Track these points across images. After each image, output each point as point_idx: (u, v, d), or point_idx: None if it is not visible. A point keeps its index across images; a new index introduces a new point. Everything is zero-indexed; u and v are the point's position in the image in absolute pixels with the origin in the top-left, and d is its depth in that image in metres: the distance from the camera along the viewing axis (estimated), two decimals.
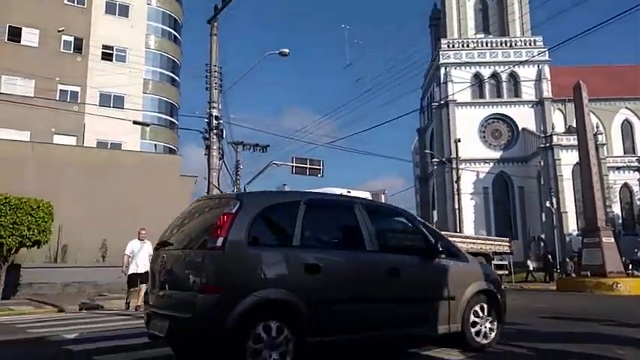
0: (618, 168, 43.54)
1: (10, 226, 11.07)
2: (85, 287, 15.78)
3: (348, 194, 12.54)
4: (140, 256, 10.95)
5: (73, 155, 21.70)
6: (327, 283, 4.30)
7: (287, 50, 18.52)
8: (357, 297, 4.46)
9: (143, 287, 10.93)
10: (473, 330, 5.22)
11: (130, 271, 11.02)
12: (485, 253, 19.75)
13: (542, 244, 40.51)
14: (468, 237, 20.92)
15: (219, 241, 3.97)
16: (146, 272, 10.64)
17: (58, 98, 30.37)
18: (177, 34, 39.92)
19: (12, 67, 28.97)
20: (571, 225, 40.22)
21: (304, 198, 4.74)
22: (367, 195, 13.70)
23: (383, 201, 13.76)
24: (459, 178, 35.26)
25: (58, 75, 30.84)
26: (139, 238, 11.22)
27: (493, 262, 20.06)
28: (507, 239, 23.50)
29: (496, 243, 21.79)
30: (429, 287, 5.08)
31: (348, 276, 4.48)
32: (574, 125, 32.35)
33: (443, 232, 16.99)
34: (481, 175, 44.91)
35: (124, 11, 35.46)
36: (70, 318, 9.96)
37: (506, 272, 21.98)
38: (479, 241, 20.32)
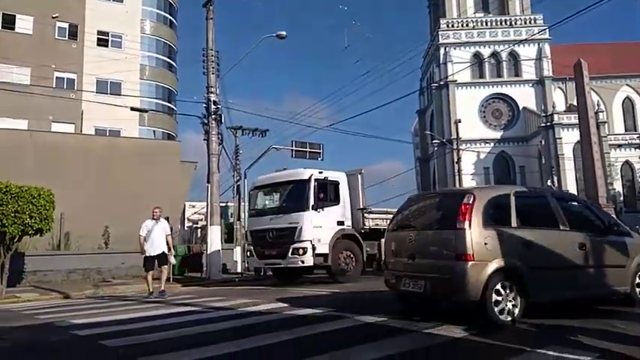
0: (619, 146, 43.42)
1: (12, 214, 11.03)
2: (89, 274, 15.85)
3: (320, 174, 12.52)
4: (155, 237, 10.20)
5: (72, 143, 21.64)
6: (537, 254, 5.71)
7: (284, 33, 18.31)
8: (559, 265, 5.88)
9: (164, 270, 10.42)
10: (637, 290, 6.60)
11: (146, 254, 10.24)
12: None
13: None
14: None
15: (465, 224, 5.44)
16: (163, 253, 10.25)
17: (54, 86, 30.16)
18: (172, 19, 39.50)
19: (7, 55, 28.73)
20: None
21: (512, 190, 6.28)
22: (343, 175, 13.28)
23: (359, 181, 13.35)
24: (459, 158, 35.20)
25: (54, 62, 30.60)
26: (152, 217, 10.36)
27: None
28: None
29: None
30: (607, 258, 6.39)
31: (551, 249, 5.85)
32: (575, 104, 32.14)
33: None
34: (482, 156, 44.84)
35: None
36: (76, 304, 10.02)
37: None
38: None
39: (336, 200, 12.78)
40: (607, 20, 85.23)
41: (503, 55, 45.84)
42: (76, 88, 31.09)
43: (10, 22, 30.62)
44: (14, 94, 24.66)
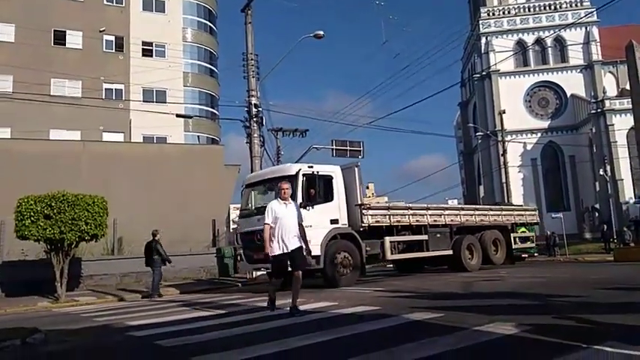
0: None
1: (70, 221, 11.63)
2: (141, 277, 16.46)
3: (310, 169, 11.48)
4: (286, 225, 6.98)
5: (122, 151, 22.52)
6: None
7: (322, 32, 18.39)
8: None
9: (299, 276, 7.12)
10: None
11: (276, 251, 7.00)
12: (502, 225, 16.81)
13: (596, 214, 38.91)
14: (477, 208, 17.03)
15: None
16: (299, 250, 7.00)
17: (104, 97, 31.50)
18: (212, 25, 40.35)
19: (59, 70, 30.21)
20: (627, 193, 38.36)
21: None
22: (337, 169, 12.24)
23: (356, 175, 12.24)
24: (505, 150, 34.24)
25: (103, 74, 31.95)
26: (281, 197, 7.19)
27: (514, 234, 17.16)
28: (532, 207, 20.37)
29: (516, 213, 18.18)
30: None
31: None
32: (627, 88, 30.62)
33: (437, 205, 15.20)
34: (528, 147, 43.40)
35: (161, 7, 36.15)
36: (131, 306, 10.44)
37: (532, 245, 19.24)
38: (491, 212, 16.87)
39: (329, 197, 11.70)
40: None
41: (549, 41, 44.17)
42: (123, 98, 32.36)
43: (61, 38, 32.19)
44: (68, 106, 25.91)
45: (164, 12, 36.23)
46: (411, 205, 14.78)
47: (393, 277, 14.85)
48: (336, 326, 5.70)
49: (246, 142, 17.45)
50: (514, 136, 40.96)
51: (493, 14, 46.17)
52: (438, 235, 14.17)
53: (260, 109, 17.36)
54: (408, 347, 4.49)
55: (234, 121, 18.00)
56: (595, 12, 40.68)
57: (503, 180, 35.80)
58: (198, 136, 36.59)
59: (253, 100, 17.05)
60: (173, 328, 6.53)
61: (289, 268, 7.15)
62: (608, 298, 7.31)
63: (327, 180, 11.78)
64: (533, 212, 19.09)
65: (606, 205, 35.40)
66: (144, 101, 32.07)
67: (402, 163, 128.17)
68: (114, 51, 33.56)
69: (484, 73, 45.06)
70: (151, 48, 34.85)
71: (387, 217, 12.87)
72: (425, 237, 13.70)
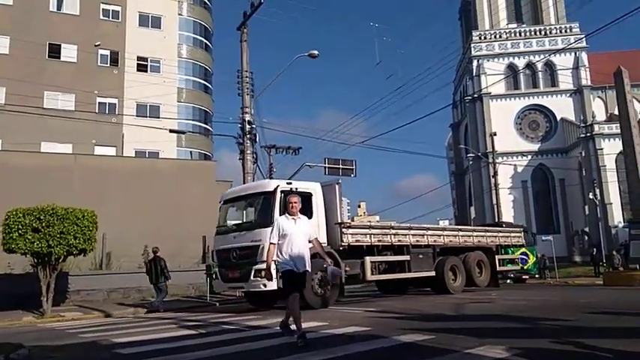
0: None
1: (58, 235, 11.51)
2: (129, 292, 16.27)
3: (288, 185, 11.29)
4: (296, 243, 6.18)
5: (114, 165, 22.42)
6: None
7: (316, 52, 18.60)
8: None
9: (295, 301, 6.15)
10: None
11: (286, 267, 6.17)
12: (486, 246, 16.32)
13: (586, 237, 39.14)
14: (460, 229, 16.50)
15: None
16: (304, 274, 6.26)
17: (97, 111, 31.45)
18: (208, 42, 40.64)
19: (53, 83, 30.18)
20: (616, 217, 38.72)
21: None
22: (317, 186, 11.96)
23: (337, 193, 11.93)
24: (496, 172, 34.52)
25: (97, 88, 31.95)
26: (289, 212, 6.33)
27: (498, 257, 16.73)
28: (519, 228, 19.69)
29: (501, 235, 17.58)
30: None
31: None
32: (616, 113, 31.13)
33: (423, 225, 15.04)
34: (519, 169, 43.80)
35: (157, 23, 36.40)
36: (118, 323, 10.29)
37: (518, 267, 18.93)
38: (476, 233, 16.41)
39: (307, 214, 11.23)
40: None
41: (539, 66, 44.95)
42: (117, 112, 32.35)
43: (55, 51, 32.23)
44: (60, 119, 25.83)
45: (160, 28, 36.47)
46: (392, 224, 14.70)
47: (379, 297, 14.76)
48: (327, 347, 5.66)
49: (239, 159, 17.46)
50: (505, 158, 41.35)
51: (485, 38, 46.99)
52: (421, 256, 13.85)
53: (254, 126, 17.42)
54: None
55: (228, 137, 18.06)
56: (584, 38, 41.56)
57: (494, 201, 36.01)
58: (190, 152, 36.55)
59: (247, 117, 17.12)
60: (160, 345, 6.44)
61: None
62: (598, 322, 7.33)
63: (306, 197, 11.35)
64: (518, 234, 18.71)
65: (595, 229, 35.65)
66: (137, 116, 32.07)
67: (395, 182, 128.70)
68: (108, 65, 33.63)
69: (475, 95, 45.66)
70: (145, 63, 34.98)
71: (368, 236, 12.58)
72: (407, 257, 13.42)
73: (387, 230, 13.38)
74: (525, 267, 22.08)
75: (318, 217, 11.55)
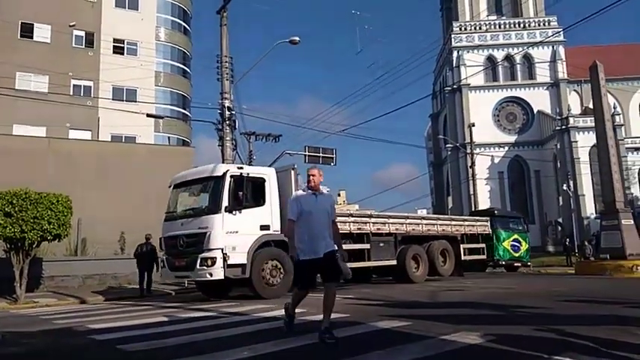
0: (637, 149, 42.79)
1: (31, 220, 11.26)
2: (105, 279, 16.06)
3: (239, 170, 10.84)
4: (317, 222, 5.18)
5: (89, 149, 21.96)
6: None
7: (297, 38, 18.44)
8: None
9: (334, 291, 5.25)
10: None
11: (303, 256, 5.14)
12: (451, 235, 16.16)
13: (559, 227, 40.08)
14: (424, 217, 16.40)
15: None
16: (332, 254, 5.13)
17: (71, 93, 30.69)
18: (186, 26, 39.93)
19: (26, 64, 29.32)
20: (589, 208, 39.73)
21: None
22: (271, 172, 11.56)
23: (292, 179, 11.47)
24: (473, 163, 34.98)
25: (71, 70, 31.14)
26: (310, 186, 5.35)
27: (463, 245, 16.46)
28: (484, 218, 19.24)
29: (467, 224, 17.44)
30: None
31: None
32: (590, 106, 31.79)
33: (384, 213, 14.99)
34: (496, 160, 44.47)
35: (134, 4, 35.56)
36: (92, 309, 10.16)
37: (483, 257, 18.45)
38: (440, 222, 16.18)
39: (260, 201, 10.99)
40: (622, 21, 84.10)
41: (517, 58, 45.48)
42: (92, 96, 31.60)
43: (28, 30, 31.25)
44: (33, 101, 25.13)
45: (137, 9, 35.65)
46: (352, 212, 14.59)
47: (345, 285, 14.88)
48: (305, 333, 5.68)
49: (218, 145, 17.27)
50: (482, 149, 41.90)
51: (465, 29, 47.25)
52: (382, 245, 13.60)
53: (233, 112, 17.23)
54: (376, 354, 4.51)
55: (206, 124, 17.82)
56: (562, 32, 42.14)
57: (471, 191, 36.53)
58: (168, 137, 36.04)
59: (226, 103, 16.91)
60: (137, 332, 6.37)
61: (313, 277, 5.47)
62: (570, 309, 7.53)
63: (259, 183, 11.09)
64: (484, 223, 18.42)
65: (569, 220, 36.52)
66: (113, 99, 31.40)
67: (375, 171, 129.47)
68: (84, 47, 32.77)
69: (455, 86, 46.03)
70: (122, 45, 34.20)
71: None
72: (367, 246, 13.17)
73: (346, 218, 13.04)
74: (518, 254, 22.10)
75: (271, 204, 11.12)
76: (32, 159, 18.54)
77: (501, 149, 45.11)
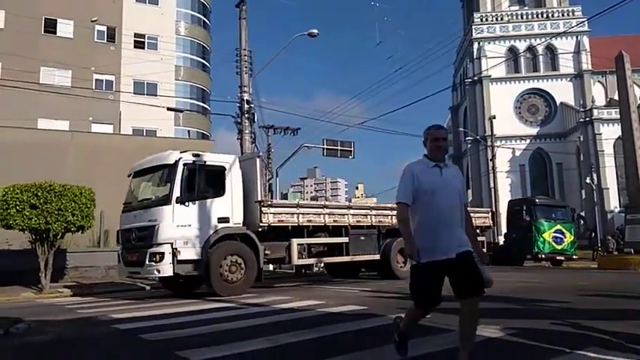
0: None
1: (56, 212, 11.48)
2: None
3: (194, 158, 10.00)
4: (445, 206, 3.57)
5: (111, 143, 22.27)
6: None
7: (316, 31, 18.40)
8: None
9: (477, 306, 3.63)
10: None
11: (425, 256, 3.50)
12: None
13: (582, 221, 39.39)
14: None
15: None
16: (468, 253, 3.59)
17: (94, 87, 31.18)
18: (206, 20, 40.15)
19: (50, 59, 29.86)
20: (612, 202, 38.91)
21: None
22: (233, 160, 10.79)
23: (257, 168, 10.82)
24: (494, 156, 34.51)
25: (93, 65, 31.62)
26: (431, 155, 3.71)
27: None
28: (485, 209, 18.11)
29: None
30: None
31: None
32: (616, 98, 31.04)
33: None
34: (517, 153, 43.78)
35: None
36: (116, 299, 10.35)
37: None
38: None
39: (218, 191, 10.26)
40: None
41: (540, 49, 44.59)
42: (114, 90, 32.06)
43: (51, 26, 31.80)
44: (56, 96, 25.61)
45: (157, 4, 35.97)
46: (327, 203, 13.81)
47: (322, 282, 14.71)
48: (324, 324, 5.72)
49: (237, 139, 17.39)
50: (503, 142, 41.30)
51: (486, 20, 46.49)
52: (363, 238, 12.65)
53: (252, 105, 17.31)
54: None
55: (225, 117, 17.92)
56: (586, 22, 41.13)
57: (492, 185, 36.07)
58: (188, 131, 36.40)
59: (245, 97, 16.99)
60: (158, 322, 6.49)
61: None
62: (592, 304, 7.41)
63: (218, 172, 10.33)
64: (485, 215, 16.94)
65: (592, 213, 35.84)
66: (134, 93, 31.80)
67: (394, 164, 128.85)
68: (105, 42, 33.25)
69: (476, 78, 45.38)
70: (143, 40, 34.58)
71: (296, 216, 11.41)
72: (345, 239, 12.23)
73: (320, 209, 12.19)
74: (561, 247, 20.78)
75: (232, 194, 10.38)
76: (56, 152, 18.90)
77: (523, 142, 44.37)
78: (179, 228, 9.46)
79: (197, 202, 9.79)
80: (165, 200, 9.56)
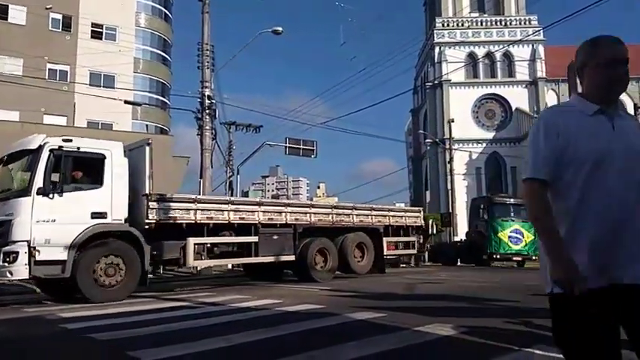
0: None
1: None
2: None
3: (64, 143, 8.82)
4: (621, 181, 1.82)
5: (64, 135, 21.45)
6: None
7: (280, 28, 18.33)
8: None
9: None
10: None
11: (590, 282, 1.76)
12: (371, 227, 13.94)
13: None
14: (335, 206, 14.16)
15: None
16: None
17: (47, 77, 29.92)
18: (167, 12, 39.27)
19: (0, 46, 28.43)
20: None
21: None
22: (116, 147, 9.54)
23: (146, 157, 9.80)
24: (451, 158, 35.34)
25: (47, 54, 30.33)
26: (591, 95, 1.95)
27: (387, 239, 14.29)
28: (417, 209, 17.11)
29: (393, 214, 14.98)
30: None
31: None
32: None
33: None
34: (474, 156, 45.00)
35: None
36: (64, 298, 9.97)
37: (412, 251, 16.25)
38: (357, 212, 13.84)
39: (94, 182, 9.01)
40: (600, 23, 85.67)
41: (498, 56, 45.99)
42: (69, 81, 30.86)
43: (2, 12, 30.30)
44: (6, 85, 24.42)
45: None
46: (233, 199, 12.69)
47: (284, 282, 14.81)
48: (280, 323, 5.68)
49: (198, 134, 17.10)
50: (461, 145, 42.34)
51: (447, 25, 47.55)
52: (275, 237, 11.62)
53: (213, 101, 17.06)
54: (352, 345, 4.53)
55: (186, 112, 17.55)
56: (542, 31, 42.70)
57: (449, 187, 36.93)
58: (146, 125, 35.49)
59: (207, 92, 16.73)
60: (109, 321, 6.29)
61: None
62: (541, 303, 7.66)
63: (94, 160, 9.07)
64: (416, 214, 16.01)
65: None
66: (90, 85, 30.71)
67: (355, 164, 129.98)
68: (60, 30, 31.93)
69: (436, 82, 46.35)
70: (101, 30, 33.44)
71: (192, 212, 10.30)
72: (254, 239, 11.14)
73: (224, 206, 11.02)
74: (518, 247, 20.13)
75: (112, 186, 9.08)
76: (4, 143, 18.04)
77: (479, 145, 45.67)
78: (40, 224, 8.17)
79: (65, 194, 8.47)
80: (25, 191, 8.30)
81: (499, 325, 5.47)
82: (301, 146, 22.93)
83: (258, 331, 5.27)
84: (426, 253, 27.15)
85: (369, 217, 14.15)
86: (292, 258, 11.93)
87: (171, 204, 10.10)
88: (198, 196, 11.39)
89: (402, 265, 19.42)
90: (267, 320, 6.13)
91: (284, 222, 11.93)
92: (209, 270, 14.91)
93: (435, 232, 30.39)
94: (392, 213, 15.12)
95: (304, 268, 12.09)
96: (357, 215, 13.81)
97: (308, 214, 12.60)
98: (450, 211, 33.08)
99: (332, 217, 13.18)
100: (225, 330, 5.40)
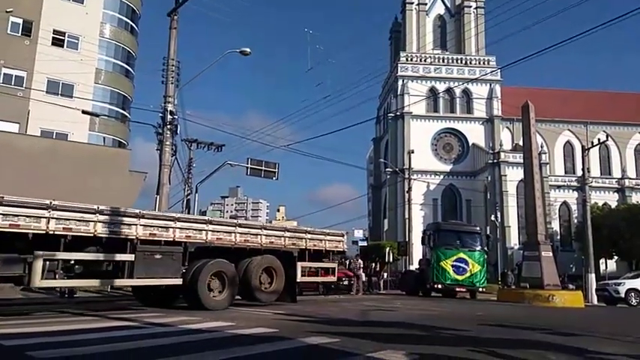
0: (559, 186, 45.83)
1: None
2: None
3: None
4: None
5: (14, 142, 20.55)
6: None
7: (248, 50, 18.42)
8: None
9: None
10: None
11: None
12: (284, 250, 12.21)
13: (485, 256, 41.95)
14: (240, 224, 11.77)
15: None
16: None
17: (1, 82, 28.82)
18: (134, 25, 38.80)
19: None
20: (513, 239, 41.92)
21: None
22: None
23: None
24: (410, 188, 36.04)
25: (3, 58, 29.34)
26: None
27: (302, 264, 12.56)
28: (339, 233, 14.36)
29: (310, 237, 13.06)
30: None
31: None
32: (520, 144, 33.79)
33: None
34: (431, 187, 46.11)
35: None
36: (2, 313, 9.41)
37: (332, 278, 14.12)
38: (267, 232, 12.04)
39: None
40: (554, 67, 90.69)
41: (457, 92, 47.84)
42: (24, 86, 29.80)
43: None
44: None
45: (82, 3, 34.24)
46: (102, 207, 9.56)
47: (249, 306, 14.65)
48: (232, 346, 5.55)
49: (157, 149, 16.77)
50: (419, 176, 43.34)
51: (411, 59, 49.15)
52: (158, 257, 9.80)
53: (176, 116, 16.83)
54: None
55: (145, 126, 17.17)
56: (498, 71, 44.79)
57: (406, 215, 37.55)
58: (104, 137, 34.52)
59: (169, 107, 16.50)
60: (51, 339, 5.97)
61: None
62: (489, 333, 7.85)
63: None
64: (338, 238, 13.92)
65: (494, 249, 38.33)
66: (47, 92, 29.76)
67: (316, 188, 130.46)
68: (20, 35, 30.98)
69: (398, 113, 47.59)
70: (63, 38, 32.62)
71: (44, 221, 8.63)
72: (129, 257, 9.35)
73: (89, 215, 9.16)
74: (462, 277, 19.10)
75: None
76: None
77: (437, 177, 46.89)
78: None
79: None
80: None
81: (449, 352, 5.55)
82: (263, 167, 22.83)
83: (208, 354, 5.13)
84: (382, 281, 27.25)
85: (282, 238, 12.37)
86: (179, 282, 10.06)
87: (14, 209, 8.29)
88: (53, 202, 8.98)
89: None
90: (217, 342, 5.98)
91: (172, 239, 10.04)
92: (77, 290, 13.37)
93: (391, 259, 30.69)
94: (309, 236, 13.20)
95: (194, 294, 10.22)
96: (266, 236, 11.99)
97: (204, 232, 10.68)
98: (407, 240, 33.55)
99: (234, 237, 11.23)
100: (173, 351, 5.22)
